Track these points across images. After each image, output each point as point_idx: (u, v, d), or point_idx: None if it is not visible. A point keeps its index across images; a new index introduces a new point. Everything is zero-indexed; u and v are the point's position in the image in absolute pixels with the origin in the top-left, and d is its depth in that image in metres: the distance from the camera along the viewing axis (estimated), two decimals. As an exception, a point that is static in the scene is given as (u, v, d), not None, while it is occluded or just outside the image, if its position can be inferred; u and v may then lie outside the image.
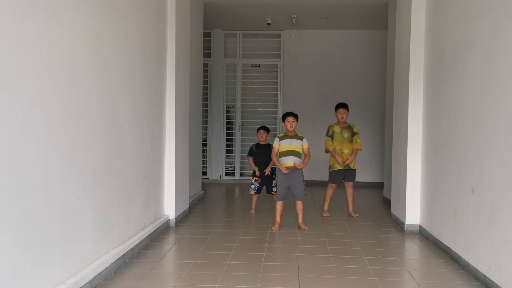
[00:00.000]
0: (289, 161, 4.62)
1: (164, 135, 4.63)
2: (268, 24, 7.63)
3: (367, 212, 5.67)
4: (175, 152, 4.71)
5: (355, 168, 5.38)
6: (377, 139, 8.20)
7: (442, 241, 3.89)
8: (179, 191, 4.89)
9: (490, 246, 2.98)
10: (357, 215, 5.39)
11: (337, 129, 5.36)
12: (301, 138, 4.70)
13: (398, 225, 4.87)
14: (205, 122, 8.29)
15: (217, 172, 8.55)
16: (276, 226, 4.63)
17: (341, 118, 5.35)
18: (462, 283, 3.13)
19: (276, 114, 8.55)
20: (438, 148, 4.08)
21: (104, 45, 3.06)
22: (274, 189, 5.32)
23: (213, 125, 8.48)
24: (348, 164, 5.28)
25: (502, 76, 2.89)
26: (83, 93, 2.75)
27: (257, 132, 5.52)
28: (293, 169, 4.62)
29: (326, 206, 5.46)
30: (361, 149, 5.38)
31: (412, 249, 4.07)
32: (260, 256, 3.66)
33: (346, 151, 5.29)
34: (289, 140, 4.66)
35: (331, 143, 5.32)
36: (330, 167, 5.39)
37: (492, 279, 2.93)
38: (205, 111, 8.26)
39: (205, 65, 8.19)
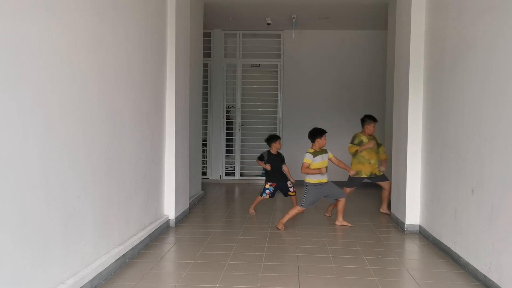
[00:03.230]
0: (325, 178, 4.68)
1: (164, 135, 4.63)
2: (268, 24, 7.63)
3: (367, 212, 5.67)
4: (175, 152, 4.71)
5: (381, 173, 5.49)
6: (377, 139, 8.18)
7: (442, 241, 3.89)
8: (179, 191, 4.89)
9: (490, 246, 2.98)
10: (390, 213, 5.40)
11: (365, 139, 5.46)
12: (326, 151, 4.72)
13: (398, 225, 4.86)
14: (205, 122, 8.29)
15: (217, 172, 8.55)
16: (281, 225, 4.65)
17: (373, 131, 5.47)
18: (462, 283, 3.13)
19: (276, 114, 8.55)
20: (438, 148, 4.08)
21: (104, 45, 3.06)
22: (291, 189, 5.36)
23: (213, 125, 8.48)
24: (374, 173, 5.41)
25: (502, 76, 2.89)
26: (83, 93, 2.75)
27: (274, 142, 5.42)
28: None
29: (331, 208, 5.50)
30: (387, 158, 5.58)
31: (412, 249, 4.07)
32: (260, 256, 3.66)
33: (372, 161, 5.41)
34: (321, 156, 4.64)
35: (355, 147, 5.40)
36: (356, 173, 5.31)
37: (492, 279, 2.93)
38: (205, 111, 8.26)
39: (205, 65, 8.19)
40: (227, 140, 8.57)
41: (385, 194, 5.56)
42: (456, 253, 3.57)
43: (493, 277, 2.93)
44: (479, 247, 3.16)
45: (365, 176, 5.41)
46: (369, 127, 5.46)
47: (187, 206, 5.34)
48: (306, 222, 4.97)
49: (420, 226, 4.57)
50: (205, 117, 8.17)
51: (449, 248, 3.72)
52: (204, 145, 8.05)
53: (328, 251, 3.85)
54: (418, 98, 4.59)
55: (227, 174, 8.65)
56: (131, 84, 3.58)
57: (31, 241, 2.23)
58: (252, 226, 4.80)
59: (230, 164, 8.71)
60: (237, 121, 8.57)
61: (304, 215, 5.38)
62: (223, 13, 7.34)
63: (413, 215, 4.61)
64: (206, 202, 6.28)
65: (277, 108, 8.56)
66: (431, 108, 4.32)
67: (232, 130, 8.61)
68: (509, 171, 2.75)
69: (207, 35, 8.28)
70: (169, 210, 4.70)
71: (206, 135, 8.41)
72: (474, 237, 3.25)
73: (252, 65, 8.66)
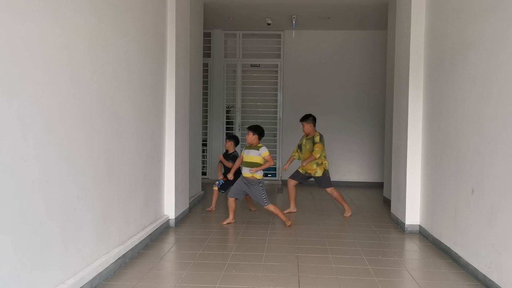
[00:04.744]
0: (245, 171, 4.79)
1: (164, 135, 4.63)
2: (268, 24, 7.63)
3: (367, 212, 5.67)
4: (175, 152, 4.71)
5: (318, 175, 5.36)
6: (377, 139, 8.19)
7: (442, 241, 3.89)
8: (179, 191, 4.89)
9: (490, 246, 2.98)
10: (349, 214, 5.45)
11: (303, 140, 5.55)
12: (257, 149, 4.76)
13: (398, 225, 4.86)
14: (205, 122, 8.29)
15: (217, 172, 8.53)
16: (226, 221, 4.81)
17: (306, 131, 5.50)
18: (462, 283, 3.13)
19: (276, 114, 8.55)
20: (438, 148, 4.08)
21: (104, 45, 3.06)
22: None
23: (213, 125, 8.48)
24: (308, 172, 5.41)
25: (502, 76, 2.89)
26: (82, 93, 2.75)
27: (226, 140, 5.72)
28: (249, 179, 4.78)
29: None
30: (316, 158, 5.30)
31: (412, 249, 4.07)
32: (260, 256, 3.66)
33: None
34: (247, 150, 4.82)
35: (295, 152, 5.60)
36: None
37: (492, 279, 2.93)
38: (205, 111, 8.25)
39: (205, 65, 8.19)
40: (227, 140, 8.57)
41: (334, 198, 5.50)
42: (456, 253, 3.57)
43: (493, 277, 2.93)
44: (479, 247, 3.16)
45: (299, 170, 5.49)
46: (303, 127, 5.50)
47: (187, 206, 5.34)
48: (306, 222, 4.96)
49: (420, 226, 4.57)
50: (205, 117, 8.17)
51: (449, 248, 3.72)
52: (204, 145, 8.05)
53: (328, 251, 3.85)
54: (418, 98, 4.59)
55: (227, 174, 8.64)
56: (131, 84, 3.58)
57: (31, 241, 2.23)
58: (252, 226, 4.79)
59: (230, 164, 8.70)
60: (237, 121, 8.57)
61: (304, 215, 5.39)
62: (223, 13, 7.34)
63: (413, 215, 4.61)
64: (206, 202, 6.27)
65: (277, 108, 8.56)
66: (431, 108, 4.32)
67: (232, 130, 8.61)
68: (509, 171, 2.75)
69: (207, 35, 8.28)
70: (169, 210, 4.69)
71: (206, 135, 8.41)
72: (474, 237, 3.25)
73: (252, 65, 8.66)
